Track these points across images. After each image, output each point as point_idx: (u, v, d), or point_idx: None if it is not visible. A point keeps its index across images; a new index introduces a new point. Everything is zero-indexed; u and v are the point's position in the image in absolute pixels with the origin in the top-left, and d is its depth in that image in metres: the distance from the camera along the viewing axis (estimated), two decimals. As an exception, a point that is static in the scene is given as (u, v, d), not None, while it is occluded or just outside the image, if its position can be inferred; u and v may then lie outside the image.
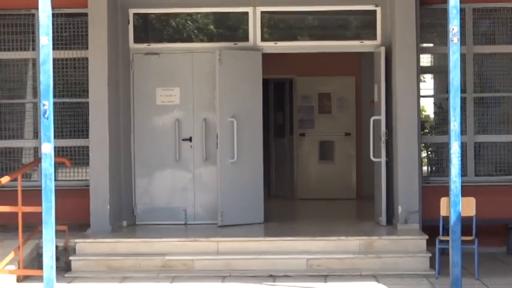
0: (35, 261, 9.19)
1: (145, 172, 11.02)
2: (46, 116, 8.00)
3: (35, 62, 11.07)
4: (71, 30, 11.05)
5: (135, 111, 11.02)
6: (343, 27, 11.28)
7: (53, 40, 8.22)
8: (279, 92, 15.25)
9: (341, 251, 9.44)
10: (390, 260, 9.29)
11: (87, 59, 10.55)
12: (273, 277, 9.03)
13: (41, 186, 8.04)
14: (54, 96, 8.30)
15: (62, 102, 10.94)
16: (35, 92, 11.06)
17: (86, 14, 10.48)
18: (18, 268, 8.72)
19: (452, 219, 8.02)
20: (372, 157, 10.79)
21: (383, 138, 10.54)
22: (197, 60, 10.98)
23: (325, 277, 8.99)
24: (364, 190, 13.92)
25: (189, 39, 11.19)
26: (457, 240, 8.02)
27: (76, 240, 9.62)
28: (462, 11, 10.19)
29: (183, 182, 11.03)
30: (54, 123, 8.10)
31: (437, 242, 8.91)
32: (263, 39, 10.99)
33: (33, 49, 11.06)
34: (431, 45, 11.35)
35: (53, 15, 8.21)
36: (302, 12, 11.12)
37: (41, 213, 8.07)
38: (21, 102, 11.24)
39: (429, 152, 11.53)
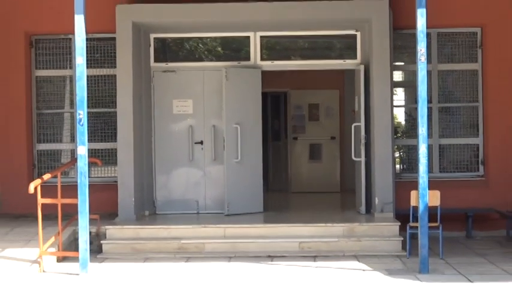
0: (72, 244, 9.19)
1: (164, 170, 11.01)
2: (81, 123, 8.02)
3: (71, 79, 11.09)
4: (101, 51, 11.07)
5: (156, 119, 11.01)
6: (329, 49, 11.27)
7: (87, 60, 8.24)
8: (275, 103, 15.24)
9: (328, 235, 9.43)
10: (369, 242, 9.28)
11: (115, 75, 10.55)
12: (271, 257, 9.03)
13: (77, 182, 8.09)
14: (88, 107, 8.33)
15: (94, 112, 10.95)
16: (72, 103, 11.06)
17: (114, 39, 10.48)
18: (58, 250, 8.71)
19: (421, 208, 8.03)
20: (353, 157, 10.79)
21: (362, 141, 10.54)
22: (207, 76, 10.97)
23: (315, 257, 8.98)
24: (346, 184, 13.89)
25: (200, 59, 11.17)
26: (424, 226, 8.03)
27: (106, 227, 9.61)
28: (428, 35, 10.20)
29: (195, 178, 11.02)
30: (87, 129, 8.14)
31: (408, 227, 8.90)
32: (262, 58, 10.97)
33: (70, 67, 11.07)
34: (403, 63, 11.35)
35: (87, 39, 8.25)
36: (294, 37, 11.10)
37: (77, 204, 8.11)
38: (60, 112, 11.25)
39: (401, 153, 11.51)
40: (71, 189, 8.87)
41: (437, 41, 10.98)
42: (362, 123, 10.53)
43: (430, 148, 10.65)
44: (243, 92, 10.73)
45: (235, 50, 11.21)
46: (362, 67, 10.55)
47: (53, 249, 8.64)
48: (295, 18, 10.43)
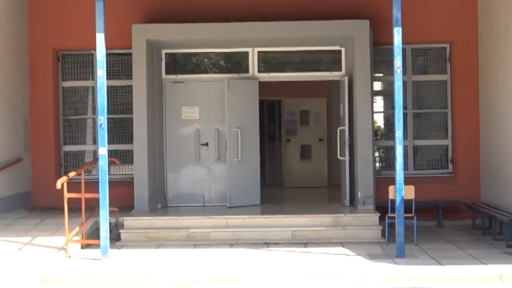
0: (94, 233, 9.17)
1: (174, 168, 10.99)
2: (102, 127, 8.02)
3: (93, 89, 11.08)
4: (119, 65, 11.07)
5: (167, 124, 10.99)
6: (317, 62, 11.26)
7: (107, 72, 8.23)
8: (271, 110, 15.21)
9: (317, 224, 9.42)
10: (352, 231, 9.28)
11: (131, 86, 10.54)
12: (267, 244, 9.02)
13: (98, 179, 8.08)
14: (108, 113, 8.32)
15: (113, 117, 10.95)
16: (94, 110, 11.05)
17: (130, 54, 10.48)
18: (82, 238, 8.71)
19: (398, 201, 8.03)
20: (339, 156, 10.78)
21: (347, 143, 10.53)
22: (211, 86, 10.95)
23: (305, 244, 8.98)
24: (333, 180, 13.87)
25: (205, 72, 11.16)
26: (401, 216, 8.03)
27: (124, 218, 9.60)
28: (404, 50, 10.21)
29: (201, 175, 11.00)
30: (107, 133, 8.13)
31: (386, 218, 8.89)
32: (259, 71, 10.97)
33: (92, 79, 11.07)
34: (381, 75, 11.35)
35: (107, 54, 8.24)
36: (288, 52, 11.09)
37: (99, 198, 8.10)
38: (83, 117, 11.25)
39: (380, 153, 11.52)
40: (93, 185, 8.86)
41: (412, 55, 10.99)
42: (346, 127, 10.53)
43: (405, 148, 10.68)
44: (243, 100, 10.72)
45: (236, 63, 11.20)
46: (346, 78, 10.55)
47: (78, 238, 8.64)
48: (288, 36, 10.44)
